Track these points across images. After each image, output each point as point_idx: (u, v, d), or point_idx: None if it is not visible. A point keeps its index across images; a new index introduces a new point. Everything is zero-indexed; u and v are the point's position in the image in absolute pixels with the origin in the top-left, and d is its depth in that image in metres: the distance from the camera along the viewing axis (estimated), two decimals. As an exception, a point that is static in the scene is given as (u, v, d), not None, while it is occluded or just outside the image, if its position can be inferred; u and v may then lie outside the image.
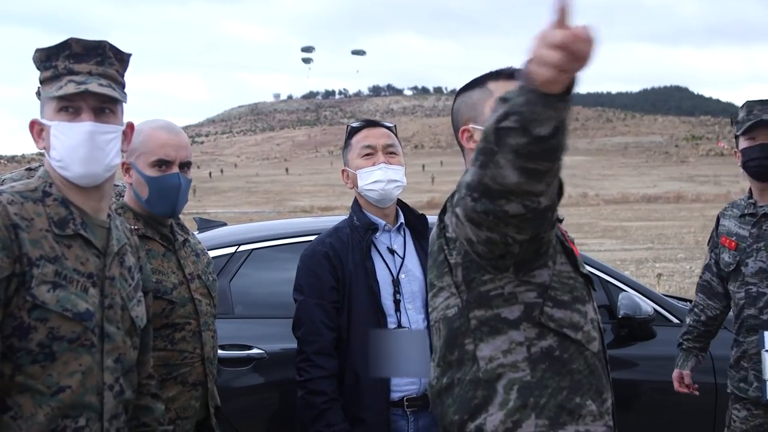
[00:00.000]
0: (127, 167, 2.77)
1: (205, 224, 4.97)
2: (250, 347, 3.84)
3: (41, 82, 2.14)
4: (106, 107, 2.13)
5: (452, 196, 1.95)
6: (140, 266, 2.33)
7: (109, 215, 2.21)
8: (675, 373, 3.95)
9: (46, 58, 2.11)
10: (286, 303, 3.35)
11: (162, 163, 2.74)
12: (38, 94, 2.17)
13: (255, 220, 25.88)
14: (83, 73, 2.11)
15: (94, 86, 2.09)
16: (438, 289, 1.99)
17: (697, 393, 3.93)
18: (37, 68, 2.14)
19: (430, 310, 2.09)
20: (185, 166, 2.80)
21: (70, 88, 2.07)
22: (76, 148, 2.08)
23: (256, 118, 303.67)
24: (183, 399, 2.76)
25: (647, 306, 4.30)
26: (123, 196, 2.94)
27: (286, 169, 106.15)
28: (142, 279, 2.34)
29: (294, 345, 3.18)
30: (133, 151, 2.73)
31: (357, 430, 3.05)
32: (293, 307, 3.21)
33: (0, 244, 1.91)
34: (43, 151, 2.13)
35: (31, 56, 2.14)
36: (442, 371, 1.95)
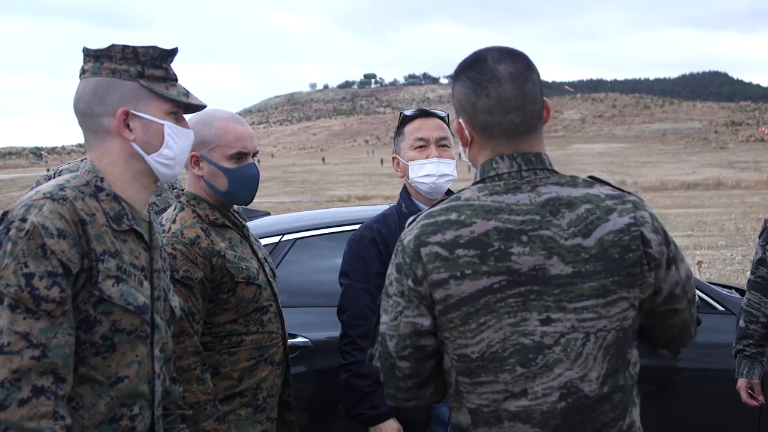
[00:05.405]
0: (196, 160, 2.81)
1: (249, 214, 5.01)
2: (294, 336, 3.87)
3: (145, 76, 2.16)
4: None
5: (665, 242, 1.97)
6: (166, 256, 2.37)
7: (147, 209, 2.27)
8: (742, 383, 3.74)
9: (158, 57, 2.18)
10: (330, 292, 3.38)
11: (241, 155, 2.81)
12: (116, 75, 2.14)
13: (292, 209, 26.02)
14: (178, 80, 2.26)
15: (197, 99, 2.26)
16: (619, 298, 1.91)
17: (765, 402, 3.77)
18: (141, 62, 2.16)
19: (594, 315, 1.90)
20: (255, 155, 2.89)
21: (194, 99, 2.24)
22: (185, 151, 2.26)
23: (293, 108, 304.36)
24: (271, 378, 2.85)
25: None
26: (178, 189, 2.97)
27: (323, 159, 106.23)
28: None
29: (338, 333, 3.22)
30: (205, 144, 2.78)
31: (399, 414, 3.09)
32: (338, 295, 3.24)
33: (71, 240, 1.94)
34: (132, 142, 2.15)
35: (135, 47, 2.15)
36: (603, 381, 1.91)
